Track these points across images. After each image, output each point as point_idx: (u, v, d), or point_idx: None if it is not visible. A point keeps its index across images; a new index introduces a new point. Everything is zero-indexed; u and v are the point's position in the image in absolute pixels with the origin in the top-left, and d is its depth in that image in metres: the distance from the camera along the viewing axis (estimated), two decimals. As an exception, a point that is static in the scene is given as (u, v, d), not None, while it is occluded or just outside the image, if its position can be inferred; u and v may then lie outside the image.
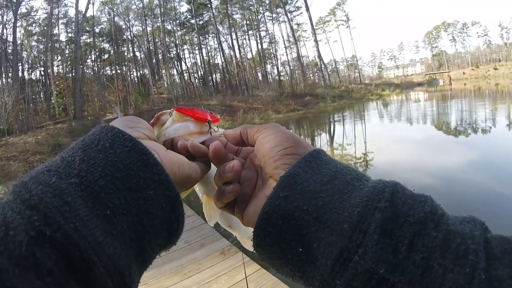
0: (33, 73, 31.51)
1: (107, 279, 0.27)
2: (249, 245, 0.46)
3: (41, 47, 31.04)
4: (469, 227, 0.30)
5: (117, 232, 0.29)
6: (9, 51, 26.56)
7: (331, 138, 16.50)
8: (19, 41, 27.80)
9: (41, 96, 31.80)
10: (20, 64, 28.35)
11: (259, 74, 45.80)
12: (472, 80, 44.26)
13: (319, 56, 44.38)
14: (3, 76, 26.10)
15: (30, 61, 30.84)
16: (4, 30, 26.50)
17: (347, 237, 0.29)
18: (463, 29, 64.87)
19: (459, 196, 6.12)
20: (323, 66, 45.14)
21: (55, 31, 31.09)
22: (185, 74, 41.56)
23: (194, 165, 0.42)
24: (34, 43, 31.17)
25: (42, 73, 31.40)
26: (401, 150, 11.00)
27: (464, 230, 0.29)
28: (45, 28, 29.78)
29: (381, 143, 13.02)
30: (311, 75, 49.09)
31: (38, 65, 31.42)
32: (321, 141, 16.04)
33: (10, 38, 26.61)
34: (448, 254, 0.27)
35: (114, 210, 0.29)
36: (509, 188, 6.06)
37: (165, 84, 32.88)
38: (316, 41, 44.40)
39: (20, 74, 27.61)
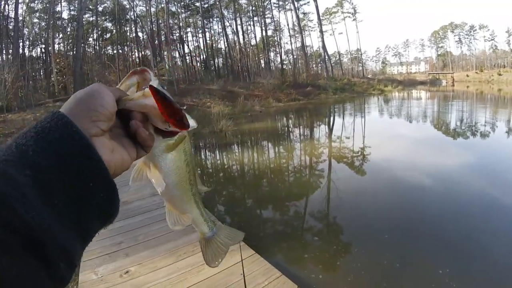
0: (33, 50, 31.02)
1: (56, 256, 0.32)
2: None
3: (43, 24, 30.55)
4: None
5: (62, 217, 0.34)
6: (11, 27, 26.18)
7: (330, 130, 16.45)
8: (20, 18, 27.35)
9: (41, 73, 31.33)
10: (21, 40, 27.90)
11: (262, 62, 45.45)
12: (475, 83, 44.26)
13: (324, 47, 44.13)
14: (4, 52, 25.79)
15: (31, 38, 30.32)
16: (6, 6, 26.11)
17: None
18: (470, 31, 64.31)
19: (452, 197, 6.12)
20: (327, 57, 44.88)
21: (58, 8, 30.57)
22: (187, 57, 41.11)
23: (128, 158, 0.46)
24: (36, 20, 30.62)
25: (43, 50, 30.98)
26: (399, 147, 10.98)
27: None
28: (47, 5, 29.30)
29: (379, 139, 13.01)
30: (314, 65, 48.83)
31: (39, 42, 30.93)
32: (320, 133, 15.99)
33: (12, 14, 26.25)
34: None
35: (60, 198, 0.34)
36: (501, 192, 6.09)
37: (167, 66, 32.53)
38: (321, 31, 44.12)
39: (20, 51, 27.21)
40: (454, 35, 65.71)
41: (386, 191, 6.78)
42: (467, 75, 51.73)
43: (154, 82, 0.50)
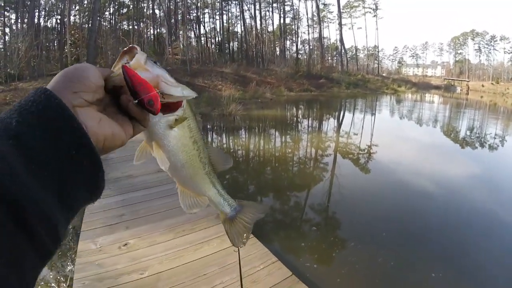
0: (49, 21, 30.70)
1: (39, 225, 0.32)
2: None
3: (60, -6, 30.44)
4: None
5: (46, 185, 0.34)
6: (27, -4, 26.12)
7: (339, 125, 16.36)
8: None
9: (55, 44, 31.21)
10: (37, 10, 27.67)
11: (277, 49, 44.90)
12: (490, 94, 43.35)
13: (341, 40, 43.49)
14: (19, 21, 25.75)
15: (47, 8, 30.03)
16: None
17: None
18: (491, 41, 62.61)
19: (453, 204, 6.09)
20: (343, 51, 44.27)
21: (76, -20, 30.37)
22: (202, 38, 40.59)
23: (122, 132, 0.47)
24: None
25: (58, 21, 30.77)
26: (406, 149, 10.89)
27: None
28: (65, -25, 29.12)
29: (387, 139, 12.92)
30: (329, 58, 48.08)
31: (55, 13, 30.68)
32: (328, 126, 15.92)
33: None
34: None
35: (44, 167, 0.34)
36: (503, 206, 6.04)
37: (181, 45, 32.26)
38: (340, 24, 43.43)
39: (36, 20, 27.03)
40: (474, 43, 64.18)
41: (389, 191, 6.76)
42: (483, 85, 50.60)
43: (140, 56, 0.50)
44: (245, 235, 0.74)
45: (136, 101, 0.47)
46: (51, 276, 3.38)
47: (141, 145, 0.59)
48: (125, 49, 0.52)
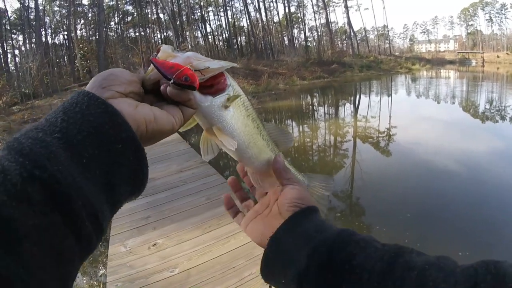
0: (56, 38, 31.33)
1: (81, 211, 0.34)
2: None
3: (64, 11, 30.78)
4: (374, 260, 0.43)
5: (91, 176, 0.36)
6: (32, 17, 26.64)
7: (355, 109, 16.12)
8: (41, 7, 27.55)
9: (65, 59, 31.83)
10: (43, 29, 28.20)
11: (285, 39, 44.38)
12: (506, 64, 41.64)
13: (349, 23, 42.69)
14: (27, 42, 26.42)
15: (53, 26, 30.63)
16: None
17: (301, 272, 0.47)
18: (502, 10, 60.14)
19: (479, 184, 5.90)
20: (352, 34, 43.47)
21: (77, -6, 30.82)
22: (209, 37, 40.64)
23: (168, 116, 0.48)
24: (56, 8, 30.86)
25: (66, 37, 31.32)
26: (426, 129, 10.62)
27: (367, 263, 0.43)
28: (66, -8, 29.62)
29: (406, 120, 12.65)
30: (339, 42, 47.29)
31: (61, 30, 31.24)
32: (345, 112, 15.72)
33: (32, 5, 26.60)
34: (351, 281, 0.43)
35: (89, 158, 0.36)
36: None
37: (189, 46, 32.41)
38: (346, 7, 42.58)
39: (43, 39, 27.56)
40: (485, 13, 61.64)
41: (411, 172, 6.65)
42: (498, 56, 48.68)
43: (166, 48, 0.52)
44: (322, 205, 0.73)
45: (172, 81, 0.48)
46: (85, 282, 3.46)
47: (202, 137, 0.59)
48: (154, 52, 0.52)
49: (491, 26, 61.38)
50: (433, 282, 0.37)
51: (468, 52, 54.79)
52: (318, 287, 0.45)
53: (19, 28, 27.44)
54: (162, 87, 0.49)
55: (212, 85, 0.53)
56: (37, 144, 0.34)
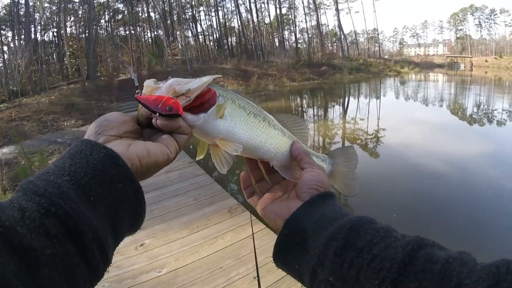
0: (46, 35, 30.89)
1: (91, 242, 0.38)
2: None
3: (54, 8, 30.31)
4: (395, 250, 0.42)
5: (98, 211, 0.41)
6: (22, 13, 26.18)
7: (344, 111, 16.27)
8: (31, 3, 27.03)
9: (54, 57, 31.41)
10: (33, 25, 27.77)
11: (276, 40, 44.53)
12: (494, 69, 42.47)
13: (340, 25, 43.02)
14: (16, 38, 25.89)
15: (42, 23, 30.21)
16: None
17: (316, 259, 0.46)
18: (491, 15, 61.12)
19: (467, 185, 6.02)
20: (342, 36, 43.81)
21: (68, -9, 30.43)
22: (200, 37, 40.66)
23: (160, 148, 0.51)
24: (46, 5, 30.39)
25: (55, 34, 30.91)
26: (413, 131, 10.79)
27: (387, 253, 0.42)
28: (57, -11, 29.22)
29: (394, 122, 12.83)
30: (329, 45, 47.64)
31: (51, 27, 30.79)
32: (334, 113, 15.84)
33: (22, 0, 26.08)
34: (370, 270, 0.41)
35: (96, 197, 0.41)
36: None
37: (180, 45, 32.28)
38: (337, 10, 42.90)
39: (32, 35, 27.18)
40: (474, 18, 62.69)
41: (398, 174, 6.75)
42: (486, 60, 49.53)
43: (148, 82, 0.56)
44: (353, 183, 0.74)
45: (158, 114, 0.50)
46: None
47: (211, 153, 0.60)
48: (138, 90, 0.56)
49: (480, 31, 62.46)
50: (457, 278, 0.37)
51: (457, 56, 55.60)
52: (333, 275, 0.44)
53: (8, 24, 26.88)
54: (153, 121, 0.53)
55: (201, 103, 0.55)
56: (50, 185, 0.39)
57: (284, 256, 0.53)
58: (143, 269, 2.96)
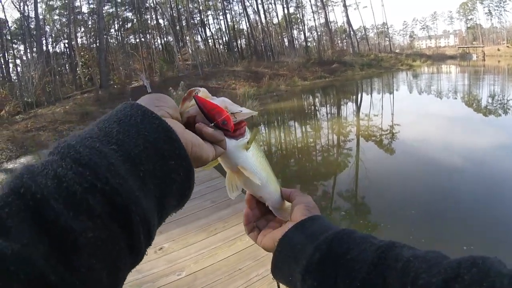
0: (57, 46, 31.46)
1: (139, 225, 0.34)
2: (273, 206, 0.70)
3: (64, 20, 30.84)
4: (367, 253, 0.48)
5: (147, 189, 0.37)
6: (32, 26, 26.77)
7: (358, 108, 16.12)
8: (41, 16, 27.63)
9: (67, 67, 32.10)
10: (44, 38, 28.28)
11: (285, 40, 44.39)
12: (507, 57, 41.36)
13: (348, 22, 42.70)
14: (28, 51, 26.57)
15: (53, 35, 30.74)
16: (26, 7, 26.73)
17: (304, 269, 0.50)
18: (500, 2, 59.74)
19: (483, 179, 5.87)
20: (352, 32, 43.46)
21: (77, 3, 30.75)
22: (209, 41, 40.73)
23: (207, 147, 0.50)
24: (56, 17, 30.90)
25: (66, 45, 31.54)
26: (429, 126, 10.59)
27: (361, 256, 0.47)
28: (66, 1, 29.63)
29: (408, 117, 12.64)
30: (339, 41, 47.26)
31: (62, 38, 31.41)
32: (347, 110, 15.72)
33: (32, 14, 26.70)
34: (344, 272, 0.47)
35: (145, 173, 0.37)
36: None
37: (190, 50, 32.46)
38: (345, 6, 42.60)
39: (44, 47, 27.68)
40: (484, 7, 61.28)
41: (414, 169, 6.65)
42: (498, 49, 48.27)
43: (204, 90, 0.56)
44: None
45: (213, 124, 0.52)
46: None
47: (227, 177, 0.63)
48: (185, 95, 0.56)
49: (491, 19, 61.06)
50: (415, 273, 0.41)
51: (468, 47, 54.60)
52: (317, 280, 0.49)
53: (20, 37, 27.67)
54: (197, 127, 0.51)
55: (236, 129, 0.58)
56: (95, 154, 0.34)
57: (280, 269, 0.57)
58: (162, 273, 2.96)
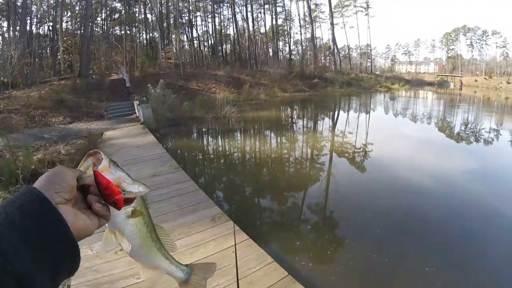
0: (41, 28, 30.61)
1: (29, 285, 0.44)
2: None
3: (51, 1, 30.03)
4: None
5: (42, 267, 0.46)
6: (19, 3, 25.88)
7: (334, 124, 16.43)
8: None
9: (48, 51, 31.17)
10: (29, 18, 27.47)
11: (270, 50, 44.97)
12: (483, 89, 43.47)
13: (334, 39, 43.53)
14: (11, 29, 25.57)
15: (39, 16, 29.91)
16: None
17: None
18: (483, 36, 62.37)
19: (448, 200, 6.15)
20: (336, 50, 44.34)
21: (66, -14, 30.25)
22: (195, 42, 40.64)
23: (92, 224, 0.57)
24: None
25: (51, 28, 30.60)
26: (401, 146, 10.93)
27: None
28: (55, -18, 29.00)
29: (382, 137, 13.01)
30: (322, 58, 48.26)
31: (47, 20, 30.56)
32: (323, 126, 15.98)
33: None
34: None
35: (42, 254, 0.46)
36: (499, 200, 6.07)
37: (174, 49, 32.18)
38: (332, 24, 43.42)
39: (28, 28, 26.88)
40: (466, 39, 63.81)
41: (384, 189, 6.80)
42: (476, 80, 50.58)
43: (105, 161, 0.60)
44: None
45: (103, 202, 0.58)
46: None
47: (105, 233, 0.66)
48: (91, 152, 0.61)
49: (472, 51, 63.71)
50: None
51: (447, 75, 56.56)
52: None
53: (4, 14, 26.57)
54: (89, 199, 0.58)
55: (125, 199, 0.62)
56: (2, 240, 0.43)
57: None
58: (121, 275, 2.92)
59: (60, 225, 0.49)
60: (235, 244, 3.21)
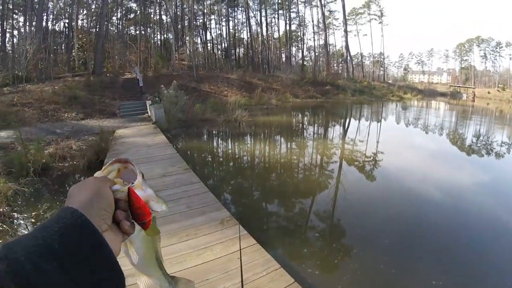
0: (57, 25, 31.14)
1: None
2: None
3: (68, -1, 30.83)
4: None
5: None
6: (36, 0, 26.45)
7: (344, 131, 16.33)
8: None
9: (63, 48, 31.71)
10: (45, 14, 27.87)
11: (283, 56, 45.03)
12: (496, 101, 42.73)
13: (347, 47, 43.39)
14: (27, 24, 26.05)
15: (55, 12, 30.37)
16: None
17: None
18: (497, 48, 61.84)
19: (459, 212, 6.04)
20: (349, 57, 44.19)
21: (83, -16, 30.72)
22: (208, 44, 40.92)
23: (119, 243, 0.53)
24: None
25: (66, 25, 31.17)
26: (411, 157, 10.78)
27: None
28: (73, -20, 29.45)
29: (392, 146, 12.85)
30: (335, 65, 48.13)
31: (63, 17, 31.06)
32: (334, 133, 15.89)
33: None
34: None
35: (81, 279, 0.41)
36: (508, 213, 5.97)
37: (188, 51, 32.38)
38: (346, 31, 43.30)
39: (44, 24, 27.25)
40: (480, 50, 63.25)
41: (394, 199, 6.72)
42: (489, 92, 49.86)
43: (139, 178, 0.60)
44: None
45: (134, 221, 0.57)
46: None
47: (128, 244, 0.66)
48: (121, 159, 0.61)
49: (485, 62, 63.09)
50: None
51: (460, 86, 55.98)
52: None
53: (21, 9, 27.08)
54: (118, 215, 0.55)
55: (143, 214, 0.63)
56: (38, 274, 0.38)
57: None
58: (127, 273, 2.89)
59: (111, 262, 0.45)
60: (240, 249, 3.18)
